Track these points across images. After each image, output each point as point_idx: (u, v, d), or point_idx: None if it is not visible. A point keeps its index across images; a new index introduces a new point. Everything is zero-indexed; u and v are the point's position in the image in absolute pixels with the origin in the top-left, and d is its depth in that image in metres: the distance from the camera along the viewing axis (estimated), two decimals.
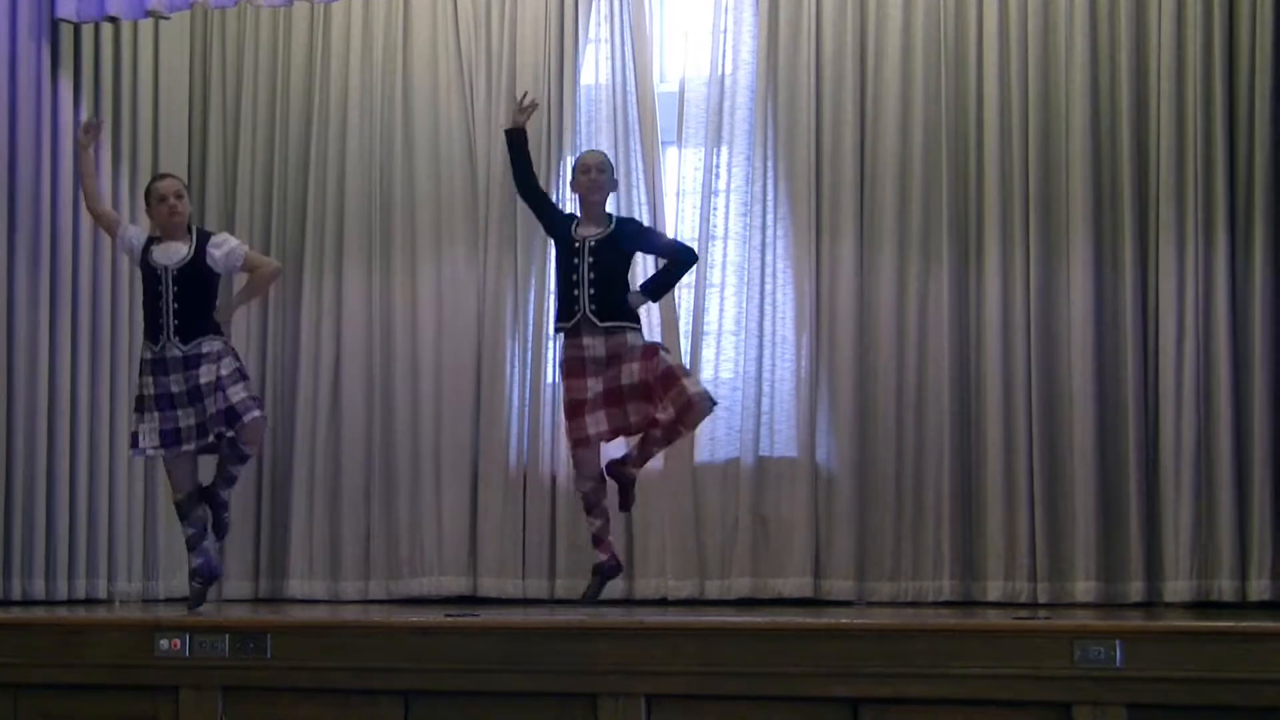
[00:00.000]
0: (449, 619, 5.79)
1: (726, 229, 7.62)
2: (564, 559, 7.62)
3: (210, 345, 6.46)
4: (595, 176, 6.61)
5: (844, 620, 5.69)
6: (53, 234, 7.27)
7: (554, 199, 7.13)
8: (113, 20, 7.32)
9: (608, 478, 6.62)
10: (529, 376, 7.75)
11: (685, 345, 7.55)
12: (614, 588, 7.42)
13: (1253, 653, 4.98)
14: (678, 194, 7.72)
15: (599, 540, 6.59)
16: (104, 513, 7.42)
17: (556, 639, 5.47)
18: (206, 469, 6.62)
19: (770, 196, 7.57)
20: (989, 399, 7.25)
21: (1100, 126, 7.21)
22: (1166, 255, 7.05)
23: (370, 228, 7.98)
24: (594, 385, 6.41)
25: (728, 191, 7.63)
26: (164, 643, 5.61)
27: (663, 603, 7.42)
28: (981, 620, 5.92)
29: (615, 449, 6.76)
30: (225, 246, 6.57)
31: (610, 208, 6.86)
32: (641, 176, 7.69)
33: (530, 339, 7.76)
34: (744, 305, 7.58)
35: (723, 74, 7.65)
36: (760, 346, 7.53)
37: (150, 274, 6.51)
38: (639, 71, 7.73)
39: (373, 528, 7.84)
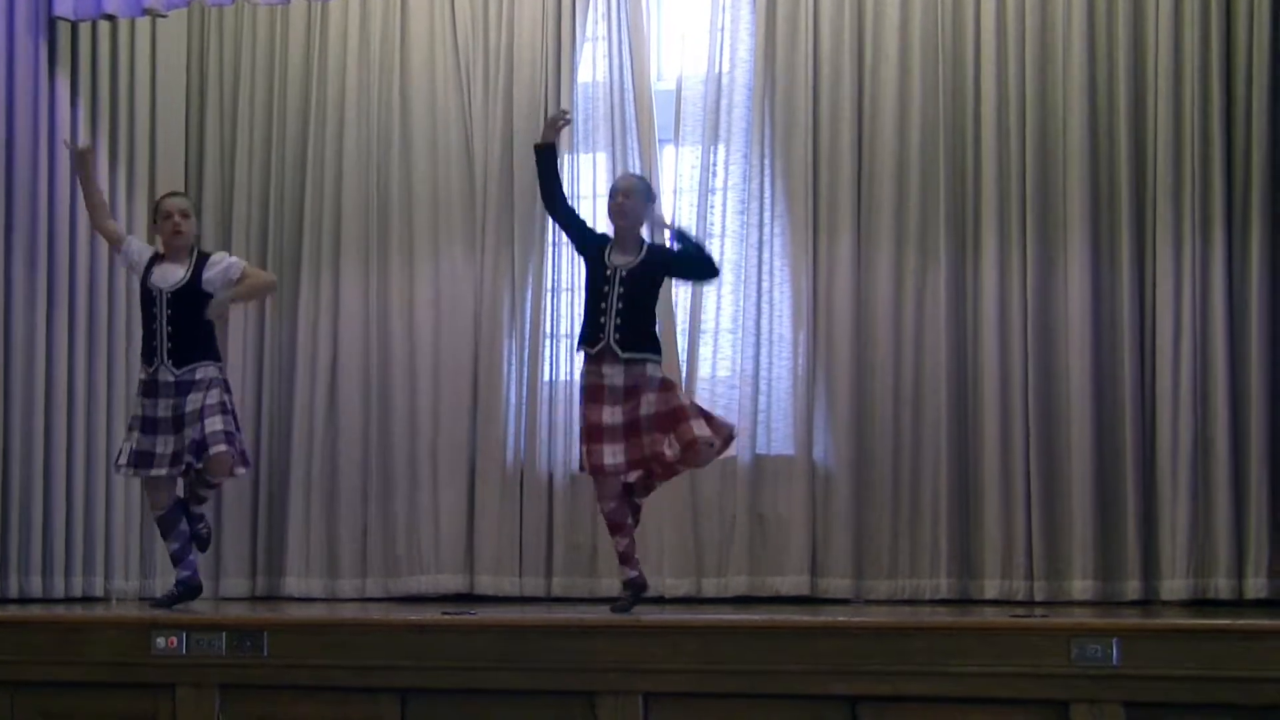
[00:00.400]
0: (446, 617, 5.79)
1: (723, 227, 7.62)
2: (561, 557, 7.63)
3: (204, 372, 6.45)
4: (620, 202, 6.35)
5: (842, 618, 5.69)
6: (50, 232, 7.26)
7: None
8: (110, 18, 7.31)
9: None
10: (526, 375, 7.75)
11: (682, 343, 7.56)
12: (612, 586, 7.42)
13: (1249, 650, 4.99)
14: (675, 192, 7.72)
15: (627, 558, 6.34)
16: (101, 511, 7.42)
17: (554, 637, 5.47)
18: None
19: (767, 194, 7.57)
20: (986, 397, 7.25)
21: (1098, 124, 7.21)
22: (1163, 253, 7.05)
23: (368, 227, 7.98)
24: (613, 415, 6.22)
25: (725, 189, 7.63)
26: (161, 641, 5.61)
27: (660, 601, 7.42)
28: (979, 618, 5.92)
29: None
30: (222, 263, 6.55)
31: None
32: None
33: (528, 338, 7.76)
34: (741, 303, 7.58)
35: (720, 72, 7.65)
36: (757, 344, 7.53)
37: (147, 296, 6.52)
38: (636, 69, 7.72)
39: (370, 526, 7.84)
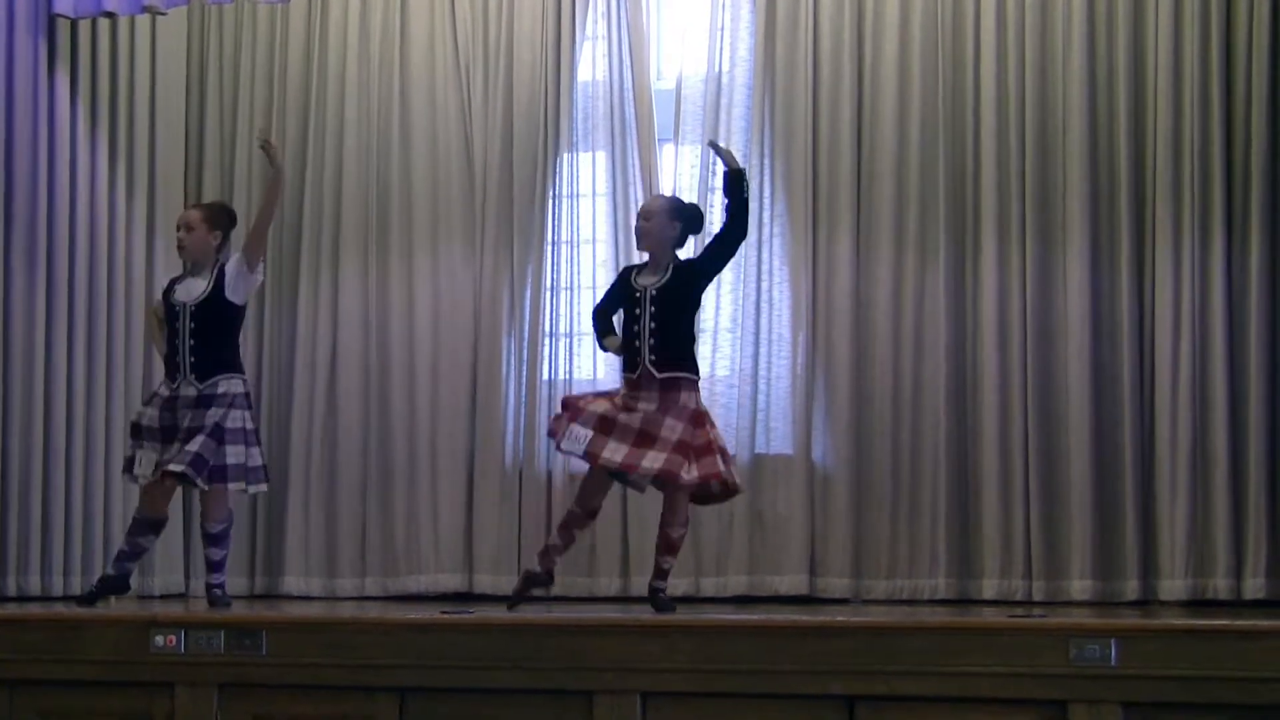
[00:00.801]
0: (445, 616, 5.79)
1: None
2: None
3: (227, 385, 6.42)
4: (641, 224, 6.32)
5: (840, 618, 5.70)
6: (49, 230, 7.25)
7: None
8: (109, 15, 7.29)
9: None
10: (525, 374, 7.74)
11: None
12: (610, 585, 7.44)
13: (1248, 651, 4.99)
14: (674, 191, 7.71)
15: (549, 551, 6.31)
16: (99, 509, 7.41)
17: (552, 636, 5.47)
18: None
19: (767, 194, 7.57)
20: (985, 397, 7.25)
21: (1097, 125, 7.21)
22: (1163, 254, 7.06)
23: (367, 225, 7.97)
24: (630, 419, 6.13)
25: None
26: (159, 639, 5.60)
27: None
28: (977, 618, 5.93)
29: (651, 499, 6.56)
30: (231, 265, 6.50)
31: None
32: (638, 174, 7.69)
33: (526, 336, 7.76)
34: (740, 303, 7.58)
35: (720, 71, 7.65)
36: (756, 344, 7.53)
37: (170, 312, 6.51)
38: (636, 69, 7.72)
39: (369, 525, 7.84)
